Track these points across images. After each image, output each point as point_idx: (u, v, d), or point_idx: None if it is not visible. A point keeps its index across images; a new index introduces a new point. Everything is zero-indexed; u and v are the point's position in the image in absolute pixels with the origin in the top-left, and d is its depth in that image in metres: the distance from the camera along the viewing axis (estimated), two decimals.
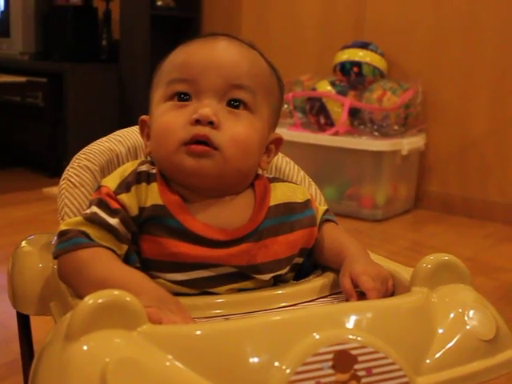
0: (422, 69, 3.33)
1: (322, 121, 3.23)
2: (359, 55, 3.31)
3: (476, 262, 2.44)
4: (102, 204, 0.92)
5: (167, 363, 0.70)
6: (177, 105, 0.94)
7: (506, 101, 3.13)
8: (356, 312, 0.81)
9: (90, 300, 0.71)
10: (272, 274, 0.98)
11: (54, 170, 3.69)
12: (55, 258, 0.91)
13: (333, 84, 3.25)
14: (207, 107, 0.91)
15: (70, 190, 1.08)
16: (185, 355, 0.71)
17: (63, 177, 1.10)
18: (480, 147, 3.22)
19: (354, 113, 3.18)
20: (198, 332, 0.74)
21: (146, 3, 3.83)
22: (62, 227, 0.91)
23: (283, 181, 1.08)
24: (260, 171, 1.04)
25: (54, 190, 3.34)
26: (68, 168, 1.10)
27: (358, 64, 3.29)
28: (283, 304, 0.95)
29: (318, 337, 0.75)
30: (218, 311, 0.90)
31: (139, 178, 0.95)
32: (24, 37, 3.99)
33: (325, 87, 3.25)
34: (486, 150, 3.20)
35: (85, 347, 0.70)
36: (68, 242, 0.89)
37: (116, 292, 0.73)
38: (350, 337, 0.76)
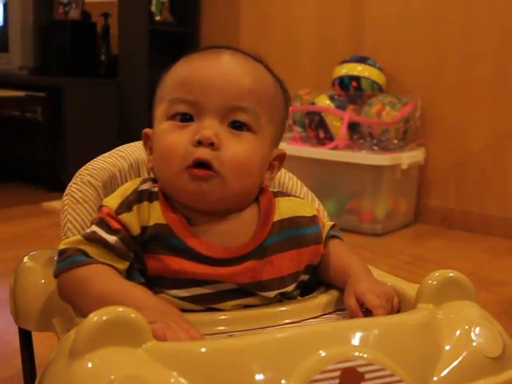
0: (420, 83, 3.34)
1: (322, 135, 3.23)
2: (358, 70, 3.32)
3: (476, 277, 2.43)
4: (102, 223, 0.92)
5: (172, 380, 0.70)
6: (178, 125, 0.93)
7: (504, 115, 3.14)
8: (362, 329, 0.80)
9: (94, 317, 0.71)
10: (277, 291, 0.97)
11: (53, 184, 3.71)
12: (55, 277, 0.91)
13: (332, 98, 3.26)
14: (208, 128, 0.91)
15: (73, 205, 1.07)
16: (190, 372, 0.71)
17: (66, 192, 1.09)
18: (479, 161, 3.22)
19: (353, 127, 3.19)
20: (203, 349, 0.73)
21: (144, 18, 3.86)
22: (61, 246, 0.91)
23: (288, 195, 1.07)
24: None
25: (53, 204, 3.37)
26: (71, 184, 1.10)
27: (357, 78, 3.30)
28: (288, 321, 0.94)
29: (324, 354, 0.74)
30: (222, 328, 0.90)
31: (141, 196, 0.94)
32: (23, 51, 4.01)
33: (324, 101, 3.26)
34: (485, 164, 3.21)
35: (89, 365, 0.69)
36: (67, 261, 0.89)
37: (121, 309, 0.73)
38: (357, 354, 0.75)
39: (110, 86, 3.92)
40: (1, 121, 4.06)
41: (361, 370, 0.74)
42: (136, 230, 0.92)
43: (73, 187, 1.09)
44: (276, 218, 0.99)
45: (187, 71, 0.95)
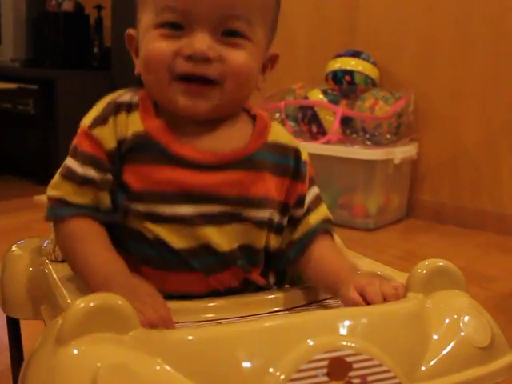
0: (413, 78, 3.35)
1: (314, 129, 3.23)
2: (351, 64, 3.32)
3: (468, 272, 2.41)
4: (76, 153, 0.90)
5: (158, 368, 0.70)
6: (168, 34, 0.88)
7: (497, 110, 3.15)
8: (350, 318, 0.80)
9: (81, 303, 0.71)
10: (264, 213, 0.94)
11: (44, 177, 3.58)
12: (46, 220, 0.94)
13: (325, 93, 3.26)
14: (201, 40, 0.86)
15: None
16: (177, 360, 0.71)
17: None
18: (472, 156, 3.23)
19: (346, 121, 3.19)
20: (190, 337, 0.73)
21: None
22: (48, 192, 0.92)
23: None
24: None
25: (44, 197, 3.31)
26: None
27: (350, 73, 3.30)
28: (276, 309, 0.94)
29: (312, 343, 0.74)
30: (210, 315, 0.89)
31: (118, 108, 0.91)
32: (15, 43, 4.00)
33: (317, 96, 3.26)
34: (477, 159, 3.22)
35: (75, 351, 0.69)
36: (50, 212, 0.90)
37: (107, 295, 0.73)
38: (345, 343, 0.76)
39: (103, 79, 3.90)
40: None
41: (349, 359, 0.74)
42: (111, 143, 0.89)
43: None
44: (270, 138, 0.96)
45: None
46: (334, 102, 3.21)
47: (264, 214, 0.94)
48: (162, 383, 0.69)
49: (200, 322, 0.87)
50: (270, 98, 3.38)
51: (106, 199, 0.90)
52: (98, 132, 0.89)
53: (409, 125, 3.27)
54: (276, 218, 0.96)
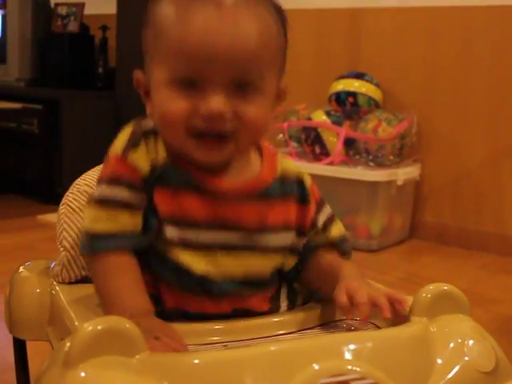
0: (416, 100, 3.36)
1: (318, 150, 3.24)
2: (354, 85, 3.33)
3: (471, 294, 2.39)
4: (111, 181, 0.90)
5: None
6: (183, 91, 0.88)
7: (500, 131, 3.15)
8: (355, 342, 0.81)
9: (89, 327, 0.71)
10: (280, 243, 0.98)
11: (48, 196, 3.68)
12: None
13: (328, 114, 3.27)
14: (218, 101, 0.86)
15: (69, 214, 1.09)
16: (182, 383, 0.71)
17: (62, 202, 1.11)
18: (475, 178, 3.23)
19: (349, 143, 3.19)
20: (197, 361, 0.74)
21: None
22: (89, 226, 0.91)
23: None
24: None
25: (48, 217, 3.35)
26: (67, 193, 1.12)
27: (354, 94, 3.32)
28: (281, 332, 0.94)
29: (317, 367, 0.75)
30: (216, 338, 0.89)
31: (146, 133, 0.92)
32: (20, 63, 4.02)
33: (320, 117, 3.27)
34: (480, 180, 3.22)
35: (83, 374, 0.70)
36: (83, 246, 0.91)
37: (115, 318, 0.74)
38: (350, 368, 0.76)
39: (107, 99, 3.91)
40: None
41: (354, 383, 0.74)
42: (145, 167, 0.90)
43: (69, 196, 1.11)
44: (279, 168, 0.99)
45: (194, 31, 0.86)
46: (338, 123, 3.22)
47: (284, 240, 0.98)
48: None
49: (206, 344, 0.88)
50: (274, 118, 3.38)
51: (140, 223, 0.91)
52: (132, 157, 0.90)
53: (412, 146, 3.28)
54: (293, 241, 1.00)
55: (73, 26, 4.04)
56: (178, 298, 0.93)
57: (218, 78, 0.86)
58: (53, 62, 4.00)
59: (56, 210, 1.13)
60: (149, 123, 0.93)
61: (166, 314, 0.92)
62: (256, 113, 0.89)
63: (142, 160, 0.90)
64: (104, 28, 4.14)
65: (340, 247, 1.03)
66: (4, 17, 4.05)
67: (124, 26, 3.91)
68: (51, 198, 3.62)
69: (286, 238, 0.99)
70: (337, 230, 1.05)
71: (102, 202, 0.90)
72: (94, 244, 0.89)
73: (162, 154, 0.91)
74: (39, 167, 3.86)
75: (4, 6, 4.02)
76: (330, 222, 1.04)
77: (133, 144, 0.90)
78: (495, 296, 2.52)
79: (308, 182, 1.03)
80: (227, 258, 0.93)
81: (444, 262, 3.01)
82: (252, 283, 0.96)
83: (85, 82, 4.05)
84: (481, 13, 3.15)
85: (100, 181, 0.92)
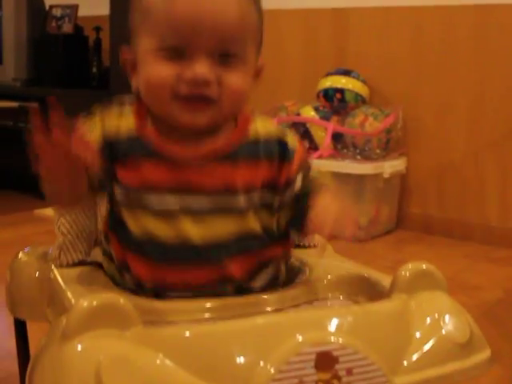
0: (402, 95, 3.37)
1: (307, 145, 3.25)
2: (342, 82, 3.35)
3: (456, 281, 2.45)
4: None
5: (158, 361, 0.74)
6: (169, 57, 0.94)
7: (482, 125, 3.18)
8: (338, 316, 0.84)
9: (84, 302, 0.76)
10: (249, 204, 0.99)
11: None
12: None
13: (316, 109, 3.30)
14: (203, 66, 0.92)
15: None
16: (174, 354, 0.75)
17: None
18: (458, 170, 3.26)
19: (337, 137, 3.22)
20: (187, 333, 0.78)
21: None
22: None
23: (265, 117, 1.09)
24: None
25: (45, 211, 3.36)
26: None
27: (341, 90, 3.33)
28: (269, 309, 0.96)
29: (301, 338, 0.78)
30: (207, 315, 0.93)
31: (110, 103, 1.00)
32: (16, 64, 4.00)
33: (309, 112, 3.30)
34: (464, 172, 3.25)
35: (79, 346, 0.74)
36: None
37: (110, 295, 0.79)
38: (332, 339, 0.80)
39: (101, 98, 3.73)
40: None
41: (335, 353, 0.78)
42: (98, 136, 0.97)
43: None
44: (254, 131, 1.03)
45: (172, 3, 0.93)
46: (326, 118, 3.25)
47: (253, 200, 1.00)
48: (160, 374, 0.74)
49: (197, 321, 0.91)
50: (264, 114, 3.41)
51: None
52: (83, 128, 0.97)
53: (397, 140, 3.30)
54: (264, 199, 1.01)
55: (67, 27, 4.02)
56: (153, 271, 0.97)
57: (203, 46, 0.92)
58: (48, 62, 3.98)
59: None
60: (124, 98, 1.01)
61: (147, 290, 0.97)
62: (237, 81, 0.95)
63: (95, 131, 0.98)
64: (98, 29, 4.12)
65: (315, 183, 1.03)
66: (0, 18, 4.01)
67: (117, 27, 3.87)
68: None
69: (255, 198, 1.00)
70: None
71: None
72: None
73: (125, 124, 0.98)
74: None
75: None
76: (311, 182, 1.03)
77: (87, 115, 0.99)
78: (479, 283, 2.56)
79: (292, 142, 1.04)
80: (192, 223, 0.96)
81: (429, 251, 3.03)
82: (222, 248, 0.97)
83: (79, 82, 4.03)
84: (463, 11, 3.18)
85: None
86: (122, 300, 0.77)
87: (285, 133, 1.06)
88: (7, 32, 3.98)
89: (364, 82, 3.39)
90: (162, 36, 0.94)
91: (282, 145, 1.03)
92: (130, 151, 0.97)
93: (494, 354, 0.93)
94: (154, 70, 0.94)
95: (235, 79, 0.95)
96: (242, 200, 0.99)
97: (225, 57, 0.95)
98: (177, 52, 0.93)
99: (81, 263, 1.11)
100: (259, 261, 1.02)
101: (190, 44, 0.93)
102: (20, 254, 1.21)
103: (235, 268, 0.99)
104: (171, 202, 0.96)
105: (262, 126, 1.05)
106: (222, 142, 0.99)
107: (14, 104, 3.74)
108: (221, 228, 0.98)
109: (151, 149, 0.97)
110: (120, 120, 0.99)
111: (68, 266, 1.11)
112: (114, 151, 0.97)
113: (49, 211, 3.34)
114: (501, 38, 3.12)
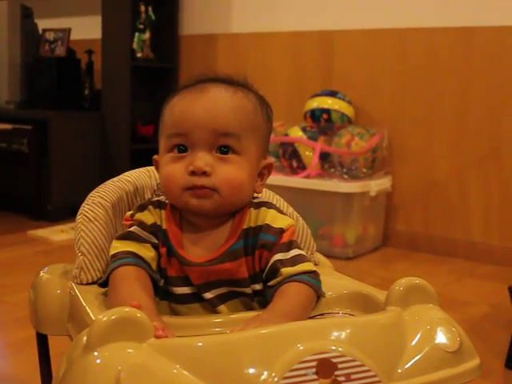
0: (386, 115, 3.42)
1: (295, 164, 3.30)
2: (328, 103, 3.39)
3: (442, 297, 2.35)
4: (124, 231, 1.11)
5: (174, 370, 0.78)
6: (176, 156, 1.07)
7: (465, 144, 3.22)
8: (337, 326, 0.88)
9: (104, 317, 0.80)
10: (248, 289, 1.09)
11: (38, 212, 3.71)
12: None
13: (304, 130, 3.34)
14: (200, 160, 1.04)
15: (86, 223, 1.19)
16: (188, 363, 0.79)
17: (79, 212, 1.21)
18: (443, 188, 3.30)
19: (324, 157, 3.26)
20: (200, 344, 0.82)
21: (126, 55, 3.92)
22: (111, 251, 1.09)
23: (270, 207, 1.13)
24: (255, 194, 1.15)
25: (38, 232, 3.39)
26: (83, 205, 1.22)
27: (328, 111, 3.38)
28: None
29: (302, 347, 0.82)
30: (216, 329, 1.00)
31: (153, 203, 1.12)
32: (10, 86, 4.03)
33: (296, 133, 3.34)
34: (448, 190, 3.29)
35: (101, 356, 0.78)
36: (114, 263, 1.06)
37: (127, 309, 0.82)
38: (332, 347, 0.83)
39: (93, 120, 3.94)
40: None
41: (335, 360, 0.81)
42: (150, 221, 1.10)
43: (85, 207, 1.21)
44: (245, 225, 1.10)
45: (179, 110, 1.08)
46: (313, 138, 3.29)
47: (248, 290, 1.10)
48: (175, 381, 0.77)
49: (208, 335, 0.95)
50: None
51: (150, 254, 1.08)
52: (138, 216, 1.11)
53: (383, 159, 3.35)
54: (257, 287, 1.10)
55: (60, 51, 4.05)
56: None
57: (201, 141, 1.05)
58: (41, 84, 4.02)
59: (45, 226, 1.21)
60: (158, 197, 1.14)
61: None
62: (231, 172, 1.06)
63: (146, 218, 1.10)
64: (90, 52, 4.16)
65: (301, 279, 1.05)
66: None
67: (109, 50, 3.99)
68: (41, 214, 3.68)
69: (252, 288, 1.10)
70: (301, 267, 1.07)
71: (118, 239, 1.09)
72: (112, 262, 1.06)
73: (160, 218, 1.11)
74: (29, 185, 3.85)
75: None
76: (294, 262, 1.07)
77: (139, 209, 1.11)
78: (465, 298, 2.60)
79: (287, 230, 1.10)
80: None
81: (415, 267, 3.07)
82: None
83: (72, 104, 4.06)
84: (445, 33, 3.24)
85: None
86: (138, 314, 0.81)
87: (282, 223, 1.11)
88: (1, 55, 4.00)
89: (350, 102, 3.44)
90: (168, 136, 1.09)
91: (266, 235, 1.09)
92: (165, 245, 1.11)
93: (483, 370, 0.96)
94: (165, 170, 1.09)
95: (229, 170, 1.06)
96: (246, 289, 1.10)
97: (224, 149, 1.06)
98: (181, 149, 1.07)
99: (98, 280, 1.15)
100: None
101: (190, 140, 1.06)
102: (41, 273, 1.24)
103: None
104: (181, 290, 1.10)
105: (257, 218, 1.11)
106: (222, 240, 1.10)
107: (7, 126, 3.78)
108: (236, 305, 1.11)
109: (173, 249, 1.09)
110: (160, 215, 1.12)
111: (88, 283, 1.16)
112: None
113: (42, 232, 3.41)
114: (482, 59, 3.18)
